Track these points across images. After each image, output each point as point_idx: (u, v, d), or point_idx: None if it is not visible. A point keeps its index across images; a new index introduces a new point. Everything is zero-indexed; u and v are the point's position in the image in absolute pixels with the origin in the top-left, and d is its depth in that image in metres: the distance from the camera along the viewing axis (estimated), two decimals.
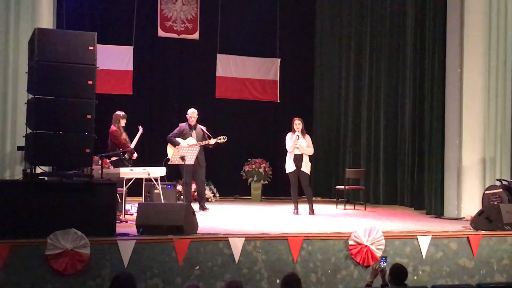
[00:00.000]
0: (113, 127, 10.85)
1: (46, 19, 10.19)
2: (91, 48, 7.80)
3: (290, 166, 11.48)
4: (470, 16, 11.10)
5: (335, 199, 13.75)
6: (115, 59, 14.34)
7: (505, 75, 11.16)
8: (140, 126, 11.53)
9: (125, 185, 9.97)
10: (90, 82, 7.80)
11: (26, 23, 9.72)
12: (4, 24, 9.65)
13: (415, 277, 8.36)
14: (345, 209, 12.79)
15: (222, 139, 11.49)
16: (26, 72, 8.22)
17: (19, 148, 9.15)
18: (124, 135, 10.94)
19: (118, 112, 11.04)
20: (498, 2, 11.17)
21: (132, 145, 11.10)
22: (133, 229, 8.03)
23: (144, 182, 10.70)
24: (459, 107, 11.13)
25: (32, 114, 7.78)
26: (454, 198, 11.15)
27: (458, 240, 8.67)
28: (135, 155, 10.98)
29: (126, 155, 10.78)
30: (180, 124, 11.73)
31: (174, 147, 11.14)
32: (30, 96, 7.98)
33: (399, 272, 6.36)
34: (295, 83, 16.27)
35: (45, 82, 7.68)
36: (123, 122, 10.99)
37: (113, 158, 10.78)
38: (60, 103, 7.77)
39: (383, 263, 6.66)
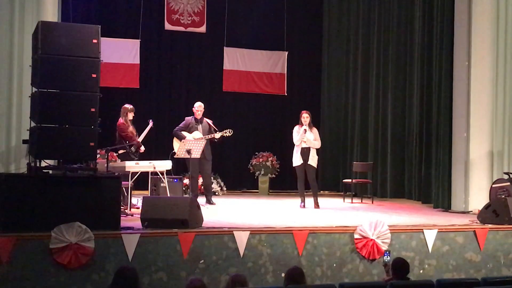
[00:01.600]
0: (120, 120, 10.85)
1: (51, 12, 10.17)
2: (95, 41, 7.77)
3: (297, 160, 11.44)
4: (478, 8, 11.02)
5: (342, 193, 13.70)
6: (122, 52, 14.35)
7: None
8: (150, 120, 11.52)
9: (131, 179, 9.95)
10: (94, 75, 7.77)
11: (31, 16, 9.72)
12: (9, 17, 9.66)
13: (421, 271, 8.33)
14: (352, 202, 12.75)
15: (227, 133, 11.45)
16: (30, 66, 8.21)
17: (24, 141, 9.15)
18: (131, 128, 10.93)
19: (126, 105, 11.03)
20: None
21: (140, 139, 11.08)
22: (138, 223, 8.02)
23: (150, 176, 10.68)
24: (467, 100, 11.07)
25: (36, 108, 7.76)
26: (461, 192, 11.10)
27: (465, 233, 8.62)
28: (142, 148, 10.98)
29: (132, 148, 10.77)
30: (186, 118, 11.71)
31: (180, 140, 11.11)
32: (34, 89, 7.98)
33: (400, 266, 6.33)
34: (303, 76, 16.25)
35: (49, 76, 7.66)
36: (131, 115, 10.98)
37: (120, 151, 10.79)
38: (64, 96, 7.75)
39: (387, 257, 6.64)
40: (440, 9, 12.00)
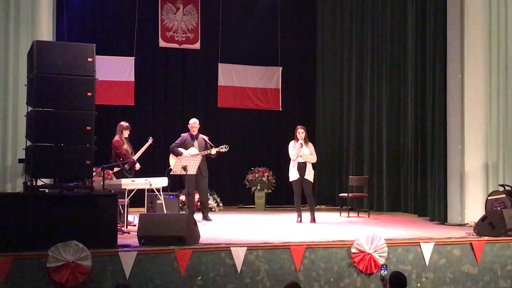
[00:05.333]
0: (116, 137, 10.91)
1: (46, 32, 10.20)
2: (89, 59, 7.80)
3: (293, 174, 11.47)
4: (470, 21, 11.09)
5: (338, 207, 13.70)
6: (116, 70, 14.38)
7: (507, 80, 11.11)
8: (150, 137, 11.54)
9: (127, 196, 9.95)
10: (89, 94, 7.80)
11: (26, 35, 9.73)
12: (4, 37, 9.66)
13: (419, 284, 8.32)
14: (348, 216, 12.75)
15: (223, 149, 11.48)
16: (25, 85, 8.23)
17: (20, 160, 9.15)
18: (126, 146, 10.96)
19: (121, 123, 11.09)
20: (498, 7, 11.14)
21: (136, 156, 11.12)
22: (134, 240, 8.00)
23: (146, 193, 10.67)
24: (461, 113, 11.12)
25: (31, 127, 7.77)
26: (457, 204, 11.12)
27: (462, 246, 8.62)
28: (138, 166, 11.00)
29: (126, 166, 10.78)
30: (182, 134, 11.74)
31: (176, 157, 11.13)
32: (30, 108, 7.99)
33: (397, 280, 6.31)
34: (297, 91, 16.30)
35: (44, 95, 7.69)
36: (126, 133, 11.02)
37: (116, 169, 10.80)
38: (60, 115, 7.76)
39: (384, 271, 6.63)
40: (433, 23, 12.05)
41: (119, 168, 10.75)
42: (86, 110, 7.82)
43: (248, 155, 15.79)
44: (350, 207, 13.20)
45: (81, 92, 7.79)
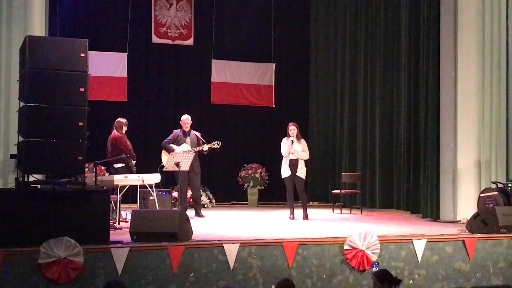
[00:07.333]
0: (116, 133, 10.72)
1: (38, 27, 10.18)
2: (82, 55, 7.78)
3: (285, 171, 11.46)
4: (464, 19, 11.11)
5: (331, 204, 13.70)
6: (109, 66, 14.33)
7: (500, 78, 11.14)
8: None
9: (120, 192, 9.91)
10: (82, 89, 7.77)
11: (18, 31, 9.71)
12: None
13: (411, 281, 8.33)
14: (341, 213, 12.76)
15: (216, 145, 11.47)
16: (17, 80, 8.20)
17: (12, 156, 9.12)
18: (128, 142, 10.88)
19: (120, 119, 10.98)
20: (491, 5, 11.16)
21: None
22: (127, 237, 7.98)
23: (139, 189, 10.64)
24: (454, 110, 11.14)
25: (24, 122, 7.75)
26: (449, 201, 11.15)
27: (454, 243, 8.63)
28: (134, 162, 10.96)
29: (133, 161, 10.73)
30: (175, 131, 11.72)
31: (169, 153, 11.10)
32: (22, 104, 7.96)
33: (385, 276, 6.28)
34: (291, 87, 16.29)
35: (36, 90, 7.66)
36: (124, 129, 10.95)
37: (119, 165, 10.63)
38: (52, 110, 7.74)
39: (375, 268, 6.63)
40: (426, 21, 12.06)
41: (123, 164, 10.64)
42: (79, 106, 7.80)
43: (241, 151, 15.78)
44: (342, 203, 13.21)
45: (74, 87, 7.77)
